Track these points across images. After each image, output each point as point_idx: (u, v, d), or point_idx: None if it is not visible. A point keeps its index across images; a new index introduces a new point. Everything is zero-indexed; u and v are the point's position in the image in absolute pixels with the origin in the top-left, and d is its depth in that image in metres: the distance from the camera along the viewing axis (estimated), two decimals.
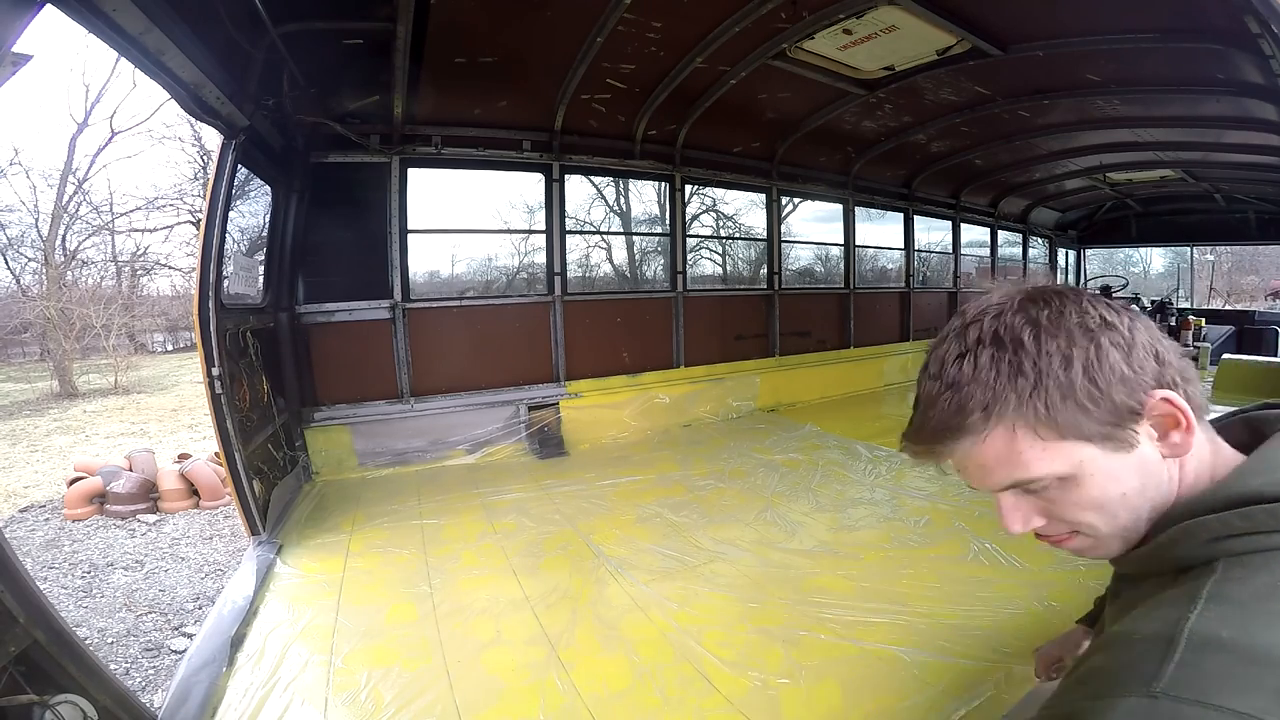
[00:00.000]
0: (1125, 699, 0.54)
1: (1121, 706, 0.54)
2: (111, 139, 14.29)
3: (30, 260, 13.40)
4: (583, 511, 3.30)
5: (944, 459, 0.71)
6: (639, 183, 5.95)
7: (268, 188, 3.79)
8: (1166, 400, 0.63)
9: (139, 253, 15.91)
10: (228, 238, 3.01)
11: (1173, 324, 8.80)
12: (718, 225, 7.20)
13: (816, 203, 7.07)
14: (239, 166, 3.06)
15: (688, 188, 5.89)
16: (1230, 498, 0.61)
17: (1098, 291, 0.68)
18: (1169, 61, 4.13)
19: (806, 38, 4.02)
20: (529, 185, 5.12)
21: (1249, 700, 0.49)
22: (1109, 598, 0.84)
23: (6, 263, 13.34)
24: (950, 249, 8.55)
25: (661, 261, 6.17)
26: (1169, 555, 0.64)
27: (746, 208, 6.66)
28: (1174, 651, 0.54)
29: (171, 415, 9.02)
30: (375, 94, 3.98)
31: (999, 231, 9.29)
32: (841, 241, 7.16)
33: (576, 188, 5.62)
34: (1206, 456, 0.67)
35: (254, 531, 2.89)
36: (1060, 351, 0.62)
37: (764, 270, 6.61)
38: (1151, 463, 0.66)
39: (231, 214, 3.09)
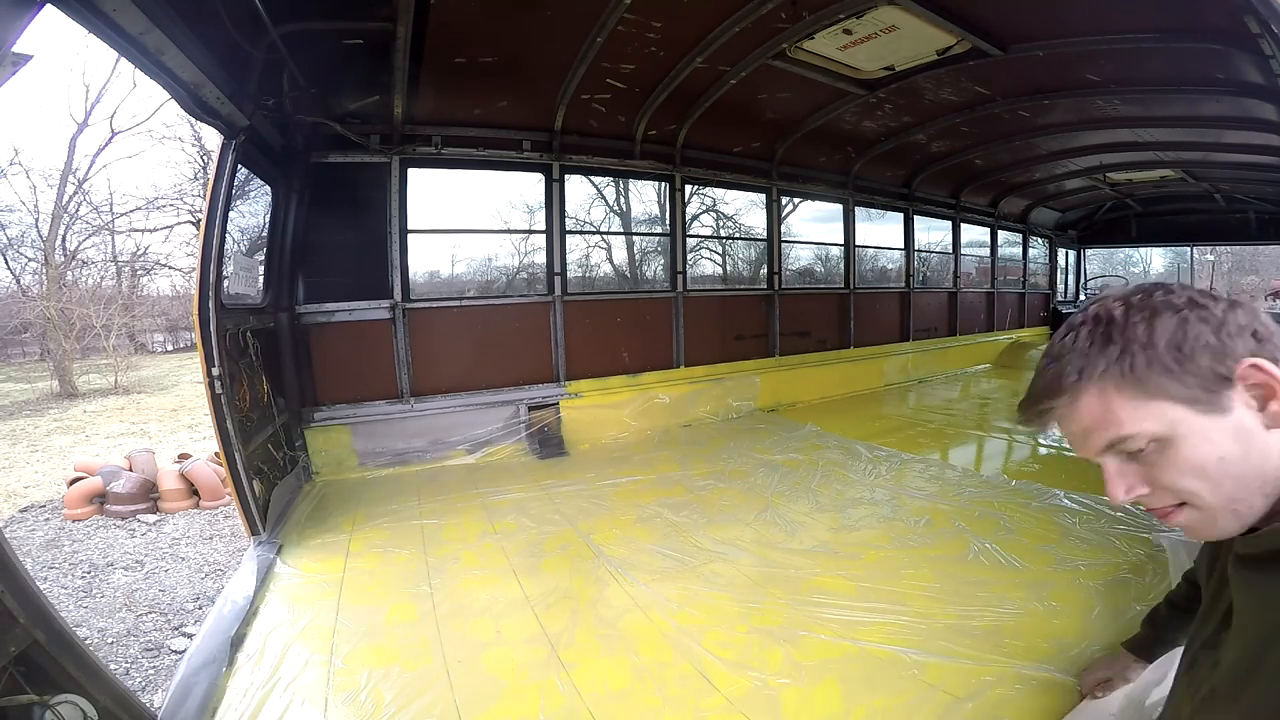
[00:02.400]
0: None
1: None
2: (111, 139, 14.32)
3: (30, 260, 13.42)
4: (583, 511, 3.29)
5: (1049, 422, 0.77)
6: (639, 183, 5.94)
7: (268, 188, 3.79)
8: (1256, 366, 0.65)
9: (139, 253, 15.94)
10: (228, 238, 3.00)
11: None
12: (718, 225, 7.21)
13: (816, 203, 7.07)
14: (239, 166, 3.06)
15: (688, 188, 5.89)
16: None
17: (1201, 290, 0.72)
18: (1169, 61, 4.13)
19: (806, 38, 4.02)
20: (529, 185, 5.12)
21: None
22: (1228, 587, 0.79)
23: (6, 263, 13.36)
24: (950, 249, 8.55)
25: (661, 261, 6.17)
26: None
27: (746, 208, 6.67)
28: None
29: (171, 415, 9.03)
30: (375, 94, 3.98)
31: (999, 231, 9.29)
32: (841, 241, 7.16)
33: (576, 188, 5.62)
34: None
35: (254, 531, 2.89)
36: (1145, 322, 0.69)
37: (764, 270, 6.61)
38: (1252, 431, 0.67)
39: (231, 214, 3.08)
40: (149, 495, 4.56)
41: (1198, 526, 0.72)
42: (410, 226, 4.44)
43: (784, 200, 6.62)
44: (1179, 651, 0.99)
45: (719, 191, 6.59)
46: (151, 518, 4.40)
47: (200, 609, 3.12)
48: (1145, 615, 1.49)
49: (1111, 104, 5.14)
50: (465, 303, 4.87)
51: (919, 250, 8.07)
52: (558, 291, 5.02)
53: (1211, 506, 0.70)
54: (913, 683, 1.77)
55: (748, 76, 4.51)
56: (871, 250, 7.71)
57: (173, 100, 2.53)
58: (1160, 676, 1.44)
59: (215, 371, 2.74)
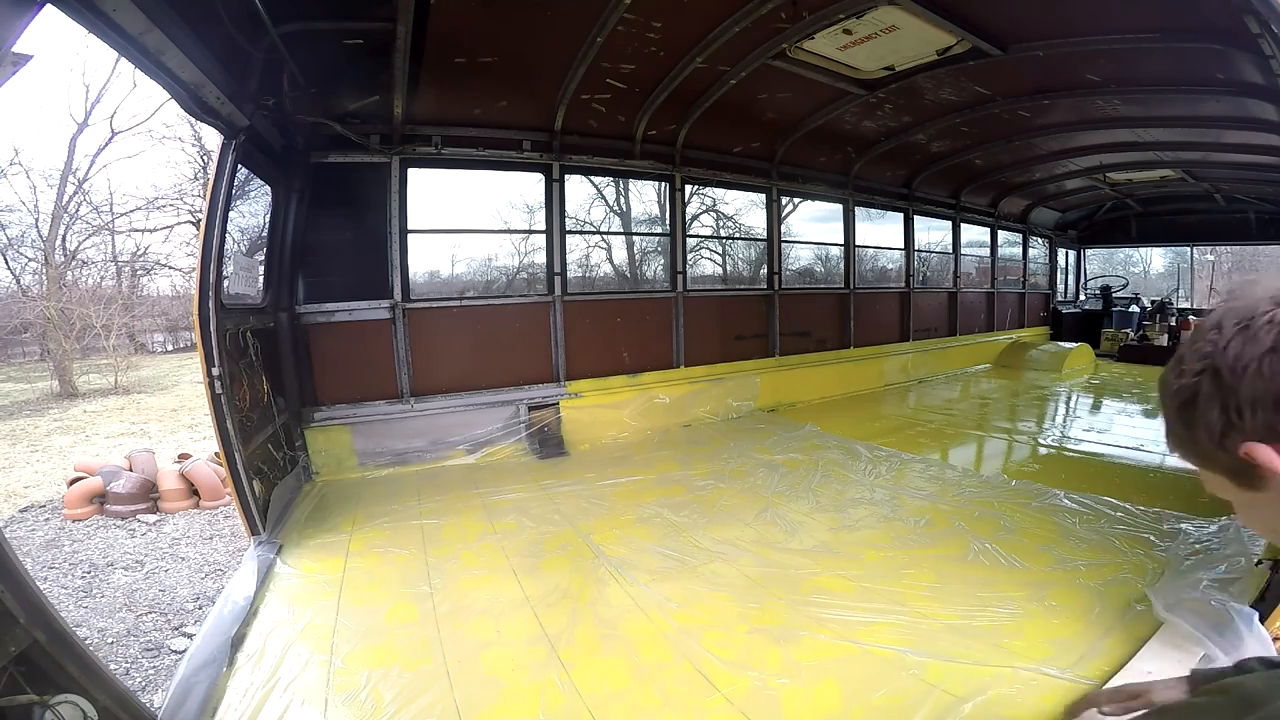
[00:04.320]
0: None
1: None
2: (111, 139, 14.32)
3: (30, 260, 13.42)
4: (583, 511, 3.29)
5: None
6: (639, 183, 5.95)
7: (268, 188, 3.79)
8: (1249, 454, 0.62)
9: (139, 253, 15.94)
10: (228, 238, 3.00)
11: (1173, 324, 8.82)
12: (718, 225, 7.21)
13: (816, 203, 7.07)
14: (239, 166, 3.06)
15: (688, 188, 5.89)
16: None
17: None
18: (1169, 61, 4.13)
19: (806, 38, 4.02)
20: (529, 185, 5.12)
21: None
22: None
23: (6, 263, 13.36)
24: (950, 249, 8.55)
25: (661, 261, 6.17)
26: None
27: (746, 208, 6.67)
28: None
29: (171, 415, 9.03)
30: (375, 94, 3.98)
31: (999, 231, 9.29)
32: (841, 241, 7.16)
33: (576, 188, 5.62)
34: None
35: (254, 531, 2.88)
36: (1180, 398, 0.67)
37: (764, 270, 6.61)
38: None
39: (231, 214, 3.08)
40: (149, 495, 4.56)
41: None
42: (410, 226, 4.44)
43: (784, 200, 6.62)
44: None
45: (719, 191, 6.59)
46: (151, 518, 4.41)
47: (200, 609, 3.12)
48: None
49: (1111, 104, 5.14)
50: (465, 303, 4.87)
51: (919, 250, 8.06)
52: (558, 291, 5.02)
53: None
54: (913, 683, 1.77)
55: (748, 76, 4.51)
56: (871, 250, 7.70)
57: (173, 100, 2.54)
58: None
59: (215, 371, 2.74)
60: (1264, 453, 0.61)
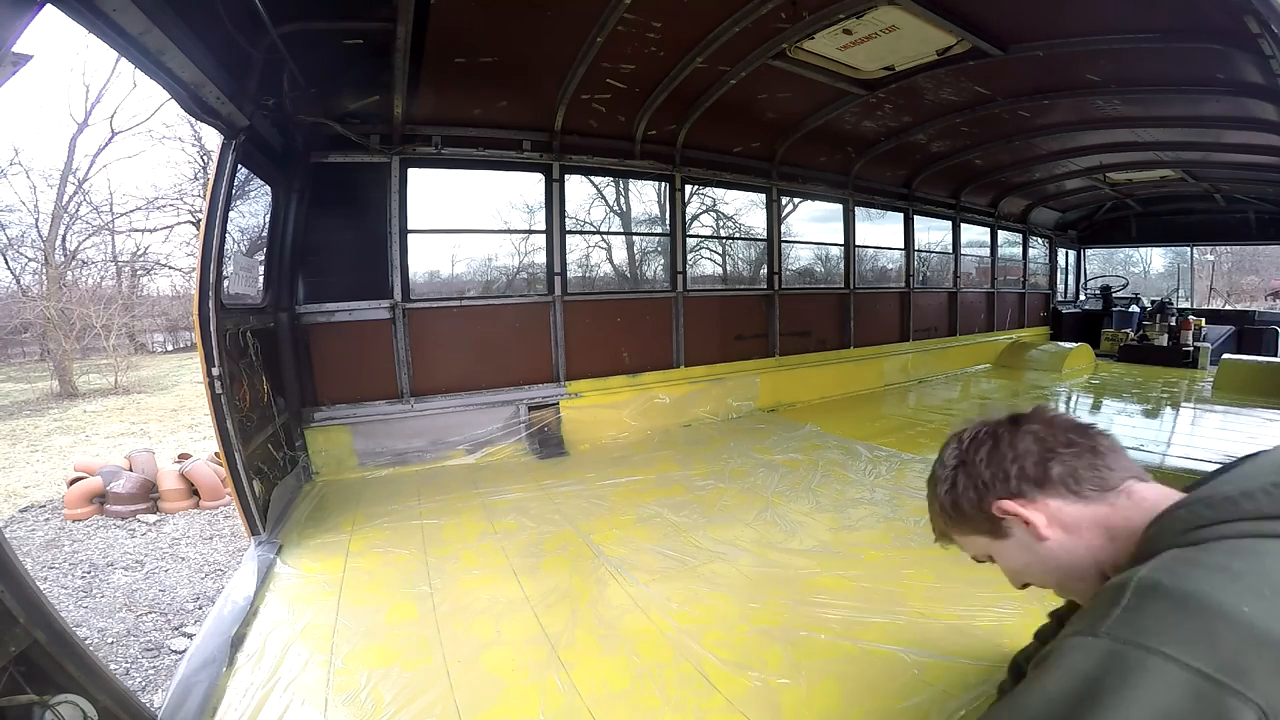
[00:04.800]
0: (1073, 637, 0.65)
1: (1069, 644, 0.64)
2: (111, 139, 14.33)
3: (30, 260, 13.43)
4: (583, 511, 3.29)
5: (940, 542, 1.17)
6: (639, 183, 5.95)
7: (268, 188, 3.79)
8: (1001, 509, 0.95)
9: (139, 253, 15.95)
10: (228, 238, 3.00)
11: (1173, 324, 8.81)
12: (718, 225, 7.21)
13: (816, 203, 7.07)
14: (239, 166, 3.05)
15: (688, 188, 5.89)
16: (1188, 501, 0.76)
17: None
18: (1169, 61, 4.13)
19: (806, 38, 4.02)
20: (529, 185, 5.12)
21: (1188, 650, 0.56)
22: None
23: (6, 263, 13.37)
24: (950, 249, 8.55)
25: (661, 261, 6.17)
26: (1146, 550, 0.75)
27: (746, 208, 6.67)
28: (1122, 597, 0.64)
29: (171, 415, 9.03)
30: (375, 94, 3.98)
31: (999, 231, 9.28)
32: (841, 241, 7.16)
33: (576, 188, 5.62)
34: (1120, 516, 0.88)
35: (254, 531, 2.89)
36: (945, 484, 1.05)
37: (764, 270, 6.61)
38: (1030, 546, 0.95)
39: (231, 214, 3.08)
40: (149, 495, 4.56)
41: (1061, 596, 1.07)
42: (410, 226, 4.44)
43: (784, 200, 6.62)
44: None
45: (719, 191, 6.59)
46: (151, 518, 4.41)
47: (200, 609, 3.12)
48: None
49: (1111, 104, 5.14)
50: (465, 302, 4.87)
51: (919, 250, 8.06)
52: (558, 291, 5.02)
53: (1056, 589, 1.00)
54: (913, 683, 1.77)
55: (748, 77, 4.51)
56: (871, 250, 7.70)
57: (173, 100, 2.53)
58: None
59: (215, 371, 2.74)
60: (1010, 506, 0.93)
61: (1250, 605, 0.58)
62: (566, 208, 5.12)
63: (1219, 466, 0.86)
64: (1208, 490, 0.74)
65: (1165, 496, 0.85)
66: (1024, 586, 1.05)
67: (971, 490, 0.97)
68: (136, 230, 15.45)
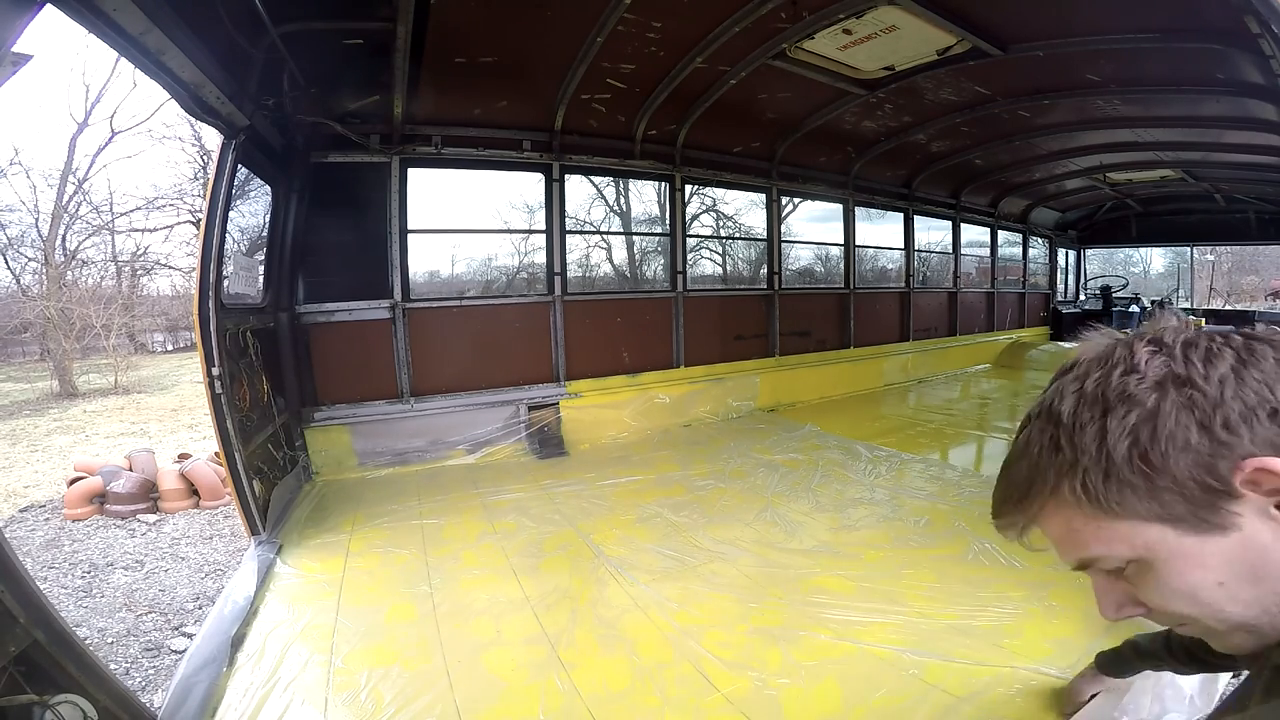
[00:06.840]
0: None
1: None
2: (111, 139, 14.32)
3: (30, 260, 13.42)
4: (583, 511, 3.29)
5: (1017, 536, 0.64)
6: (639, 183, 5.94)
7: (268, 188, 3.79)
8: (1264, 470, 0.49)
9: (139, 253, 15.95)
10: (228, 238, 3.01)
11: None
12: (718, 225, 7.20)
13: (816, 203, 7.07)
14: (239, 166, 3.06)
15: (688, 188, 5.89)
16: None
17: (1197, 328, 0.57)
18: (1169, 61, 4.13)
19: (806, 38, 4.02)
20: (529, 185, 5.12)
21: None
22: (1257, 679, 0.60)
23: (6, 263, 13.36)
24: (950, 249, 8.55)
25: (661, 261, 6.17)
26: None
27: (746, 208, 6.66)
28: None
29: (171, 415, 9.02)
30: (375, 94, 3.98)
31: (999, 231, 9.28)
32: (841, 241, 7.16)
33: (576, 188, 5.61)
34: None
35: (254, 531, 2.89)
36: (1096, 422, 0.53)
37: (764, 270, 6.61)
38: (1269, 547, 0.51)
39: (231, 214, 3.08)
40: (149, 495, 4.56)
41: (1213, 641, 0.59)
42: (410, 226, 4.44)
43: (784, 200, 6.62)
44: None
45: (719, 191, 6.58)
46: (151, 517, 4.40)
47: (200, 609, 3.12)
48: (1128, 641, 1.45)
49: (1111, 104, 5.14)
50: (465, 302, 4.87)
51: (919, 250, 8.06)
52: (558, 291, 5.02)
53: (1217, 631, 0.56)
54: (913, 683, 1.77)
55: (748, 76, 4.51)
56: (871, 250, 7.70)
57: (173, 100, 2.54)
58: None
59: (215, 371, 2.74)
60: (1274, 467, 0.49)
61: None
62: (566, 207, 5.12)
63: None
64: None
65: None
66: (1179, 625, 0.60)
67: (1196, 433, 0.50)
68: (136, 230, 15.47)
